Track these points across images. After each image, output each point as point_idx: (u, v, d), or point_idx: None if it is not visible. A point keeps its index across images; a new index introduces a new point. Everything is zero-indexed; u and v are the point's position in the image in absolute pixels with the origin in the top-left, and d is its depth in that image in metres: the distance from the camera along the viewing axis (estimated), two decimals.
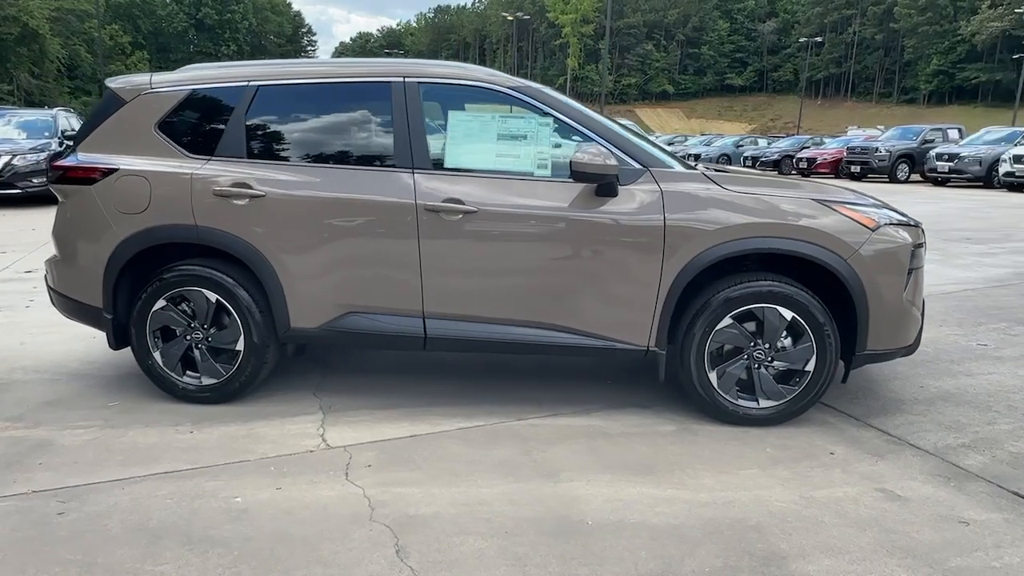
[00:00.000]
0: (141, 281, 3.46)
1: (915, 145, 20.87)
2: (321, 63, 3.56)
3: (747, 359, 3.23)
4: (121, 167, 3.35)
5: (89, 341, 4.49)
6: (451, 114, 3.33)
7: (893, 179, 20.55)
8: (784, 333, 3.20)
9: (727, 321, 3.18)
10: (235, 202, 3.27)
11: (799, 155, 24.67)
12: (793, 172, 23.63)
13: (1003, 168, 17.14)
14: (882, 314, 3.16)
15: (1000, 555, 2.31)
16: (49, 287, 3.67)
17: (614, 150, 3.17)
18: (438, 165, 3.27)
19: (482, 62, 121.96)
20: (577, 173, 3.06)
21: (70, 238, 3.49)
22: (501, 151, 3.28)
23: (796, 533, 2.43)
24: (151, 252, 3.40)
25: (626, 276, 3.17)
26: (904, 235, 3.21)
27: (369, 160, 3.33)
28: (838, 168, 22.51)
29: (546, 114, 3.27)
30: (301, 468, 2.86)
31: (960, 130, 21.60)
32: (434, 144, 3.29)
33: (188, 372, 3.48)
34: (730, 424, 3.28)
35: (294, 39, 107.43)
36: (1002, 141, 18.88)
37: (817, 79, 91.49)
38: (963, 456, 3.00)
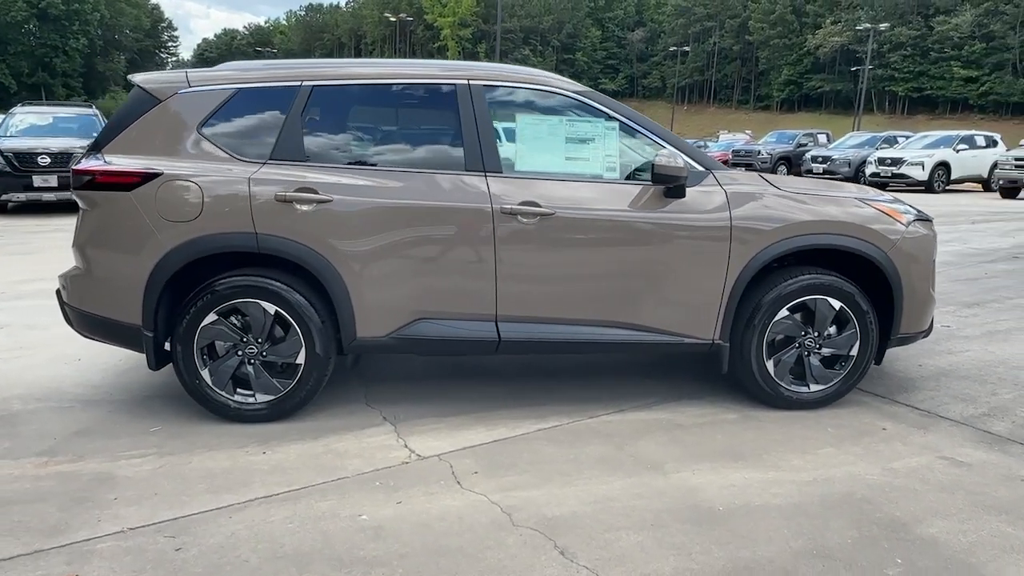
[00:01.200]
0: (181, 295, 3.21)
1: (792, 148, 22.80)
2: (377, 64, 3.44)
3: (799, 347, 3.48)
4: (165, 171, 3.09)
5: (74, 364, 4.08)
6: (519, 117, 3.34)
7: None
8: (830, 321, 3.47)
9: (783, 313, 3.41)
10: (300, 208, 3.11)
11: None
12: None
13: (869, 169, 19.09)
14: (913, 301, 3.51)
15: None
16: (66, 304, 3.31)
17: (680, 154, 3.31)
18: (509, 168, 3.28)
19: None
20: (659, 176, 3.17)
21: (100, 250, 3.17)
22: (570, 154, 3.33)
23: (900, 501, 2.67)
24: (194, 264, 3.16)
25: (695, 273, 3.32)
26: (925, 229, 3.58)
27: (439, 164, 3.27)
28: None
29: (612, 118, 3.36)
30: (407, 480, 2.78)
31: (828, 135, 23.83)
32: (504, 147, 3.29)
33: (239, 390, 3.26)
34: (784, 409, 3.51)
35: (153, 34, 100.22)
36: (864, 145, 21.04)
37: (683, 86, 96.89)
38: (989, 424, 3.39)
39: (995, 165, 17.72)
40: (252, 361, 3.23)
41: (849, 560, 2.30)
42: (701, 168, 3.36)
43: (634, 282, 3.31)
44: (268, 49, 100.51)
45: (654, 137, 3.37)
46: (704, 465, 2.95)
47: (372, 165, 3.24)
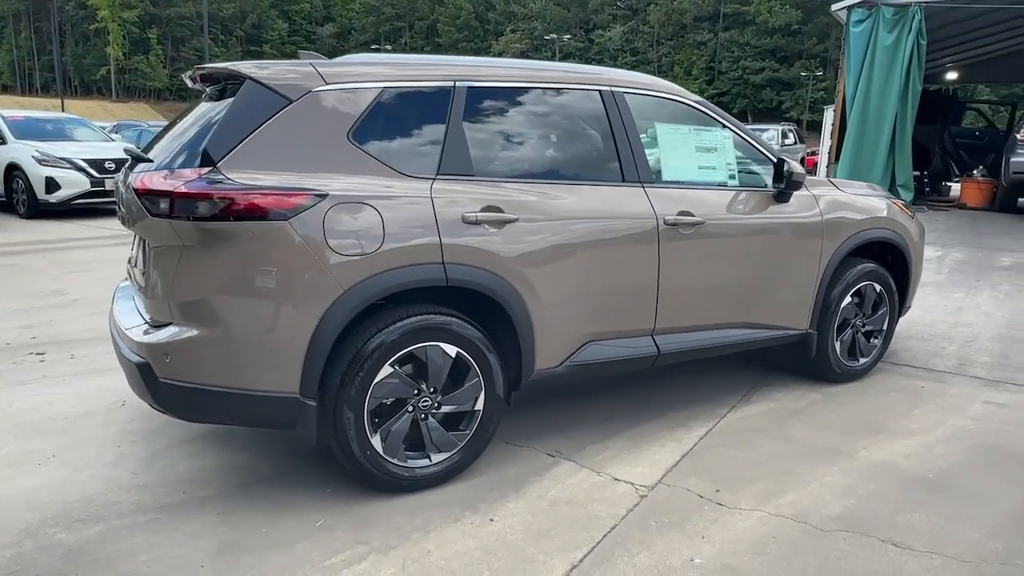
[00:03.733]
0: (338, 346, 2.54)
1: None
2: (519, 65, 3.04)
3: (852, 328, 4.00)
4: (331, 192, 2.41)
5: (56, 464, 2.98)
6: (658, 126, 3.28)
7: None
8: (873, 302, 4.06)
9: (847, 299, 3.90)
10: (488, 230, 2.68)
11: None
12: None
13: None
14: (916, 280, 4.28)
15: None
16: (167, 381, 2.37)
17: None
18: (658, 178, 3.21)
19: None
20: (793, 183, 3.39)
21: (239, 301, 2.36)
22: (701, 163, 3.38)
23: (1011, 441, 3.30)
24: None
25: (801, 270, 3.63)
26: (919, 222, 4.36)
27: (598, 175, 3.07)
28: None
29: (725, 127, 3.48)
30: (673, 514, 2.63)
31: None
32: (649, 156, 3.21)
33: (408, 453, 2.70)
34: (841, 383, 4.01)
35: None
36: None
37: None
38: (971, 371, 4.29)
39: None
40: (425, 416, 2.69)
41: None
42: None
43: (759, 282, 3.50)
44: None
45: (754, 144, 3.57)
46: (864, 441, 3.28)
47: (537, 178, 2.91)
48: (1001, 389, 3.99)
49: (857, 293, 3.95)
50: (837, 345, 3.92)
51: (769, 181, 3.52)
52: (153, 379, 2.39)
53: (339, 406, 2.50)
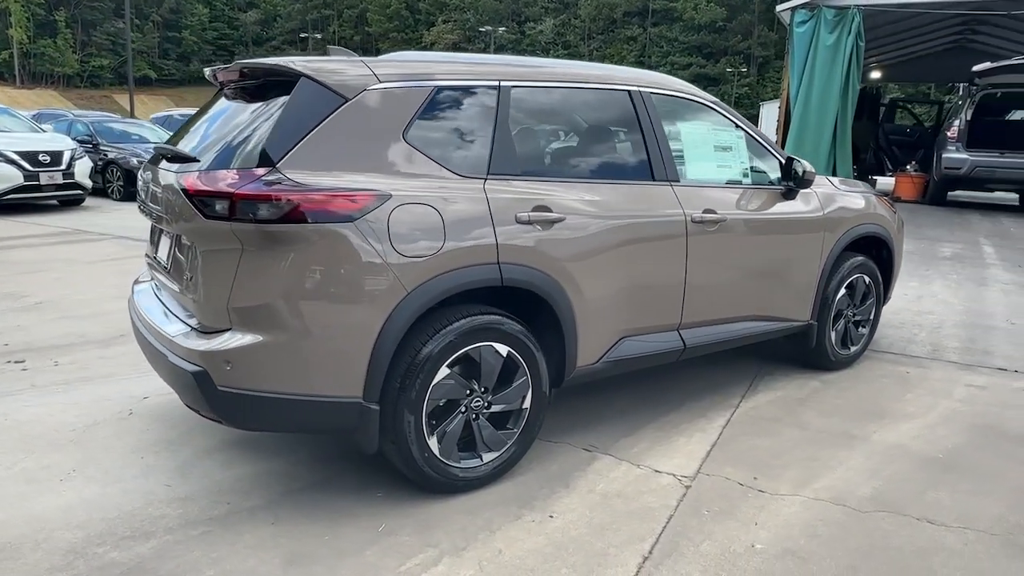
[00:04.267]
0: (399, 349, 2.51)
1: None
2: (555, 65, 3.04)
3: (845, 319, 4.21)
4: (394, 192, 2.37)
5: (76, 478, 2.82)
6: (681, 126, 3.35)
7: None
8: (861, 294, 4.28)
9: (842, 292, 4.10)
10: (538, 229, 2.69)
11: None
12: None
13: None
14: (897, 272, 4.53)
15: None
16: (227, 389, 2.29)
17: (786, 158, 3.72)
18: (682, 176, 3.29)
19: None
20: (805, 181, 3.53)
21: (303, 304, 2.29)
22: (719, 161, 3.48)
23: (1003, 419, 3.56)
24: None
25: (807, 263, 3.80)
26: (898, 215, 4.62)
27: (630, 174, 3.12)
28: None
29: (738, 127, 3.59)
30: (719, 503, 2.72)
31: None
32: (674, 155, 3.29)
33: (461, 454, 2.70)
34: (834, 371, 4.22)
35: None
36: None
37: None
38: (946, 355, 4.59)
39: None
40: (477, 416, 2.69)
41: None
42: None
43: (772, 276, 3.64)
44: None
45: (763, 143, 3.70)
46: (872, 425, 3.47)
47: (578, 177, 2.95)
48: (978, 373, 4.28)
49: (849, 285, 4.16)
50: (833, 335, 4.12)
51: (775, 178, 3.67)
52: (211, 387, 2.29)
53: (399, 409, 2.47)
